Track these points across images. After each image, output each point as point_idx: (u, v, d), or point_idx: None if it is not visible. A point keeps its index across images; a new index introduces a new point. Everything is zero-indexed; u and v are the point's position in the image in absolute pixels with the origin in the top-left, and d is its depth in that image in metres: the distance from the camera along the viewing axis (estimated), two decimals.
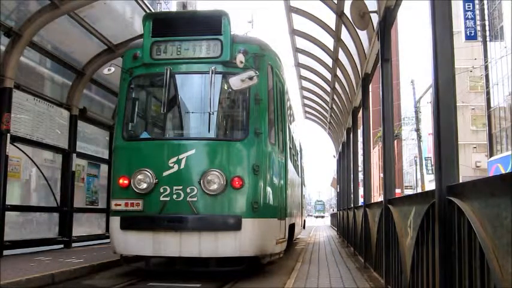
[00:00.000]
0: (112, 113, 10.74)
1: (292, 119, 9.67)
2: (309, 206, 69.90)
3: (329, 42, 8.86)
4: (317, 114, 16.81)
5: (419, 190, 31.21)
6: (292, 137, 9.43)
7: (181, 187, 5.79)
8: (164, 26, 6.42)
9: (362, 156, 9.63)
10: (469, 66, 26.92)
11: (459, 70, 25.34)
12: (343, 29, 7.65)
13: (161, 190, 5.82)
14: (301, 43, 9.97)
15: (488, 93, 27.02)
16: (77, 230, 9.28)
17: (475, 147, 31.33)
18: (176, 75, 6.40)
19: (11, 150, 7.30)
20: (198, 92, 6.47)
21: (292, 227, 8.98)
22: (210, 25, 6.33)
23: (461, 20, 24.67)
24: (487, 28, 26.21)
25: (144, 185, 5.86)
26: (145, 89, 6.96)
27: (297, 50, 10.47)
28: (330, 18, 7.82)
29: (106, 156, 10.69)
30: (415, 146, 35.86)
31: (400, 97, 45.56)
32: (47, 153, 8.72)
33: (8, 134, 7.20)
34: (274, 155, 6.54)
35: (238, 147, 6.10)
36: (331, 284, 5.44)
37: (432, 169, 30.43)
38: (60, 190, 8.91)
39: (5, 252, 7.08)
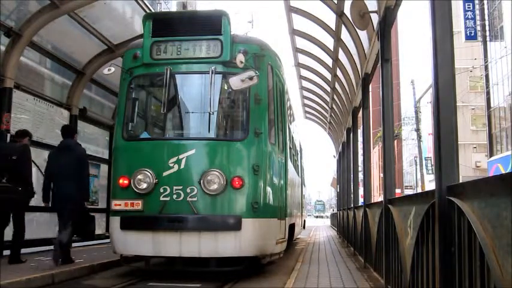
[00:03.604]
0: (112, 113, 10.74)
1: (292, 119, 9.67)
2: (308, 206, 69.94)
3: (329, 42, 8.86)
4: (317, 114, 16.81)
5: (419, 190, 31.22)
6: (292, 137, 9.43)
7: (181, 187, 5.79)
8: (164, 26, 6.42)
9: (362, 156, 9.63)
10: (469, 66, 26.93)
11: (459, 70, 25.36)
12: (343, 29, 7.65)
13: (161, 190, 5.81)
14: (301, 43, 9.98)
15: (488, 93, 27.02)
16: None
17: (475, 147, 31.33)
18: (176, 75, 6.40)
19: None
20: (198, 92, 6.47)
21: (292, 227, 8.98)
22: (210, 25, 6.33)
23: (461, 20, 24.67)
24: (487, 28, 26.21)
25: (144, 185, 5.86)
26: (146, 89, 6.96)
27: (297, 50, 10.47)
28: (330, 18, 7.82)
29: (106, 156, 10.68)
30: (415, 146, 35.88)
31: (400, 97, 45.58)
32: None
33: (8, 134, 7.19)
34: (274, 155, 6.54)
35: (238, 147, 6.10)
36: (331, 284, 5.44)
37: (432, 169, 30.42)
38: None
39: (5, 252, 7.07)
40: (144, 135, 6.62)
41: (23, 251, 7.68)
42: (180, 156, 5.87)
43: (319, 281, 5.68)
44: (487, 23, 26.22)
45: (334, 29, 8.03)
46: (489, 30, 26.17)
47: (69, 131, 6.77)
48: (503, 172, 13.91)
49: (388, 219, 4.85)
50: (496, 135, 26.88)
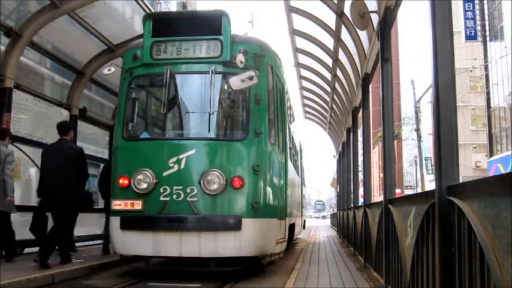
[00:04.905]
0: (112, 113, 10.73)
1: (292, 119, 9.67)
2: (308, 206, 70.05)
3: (329, 42, 8.86)
4: (317, 114, 16.82)
5: (419, 190, 31.22)
6: (292, 137, 9.43)
7: (181, 187, 5.78)
8: (164, 26, 6.42)
9: (362, 156, 9.63)
10: (469, 66, 26.92)
11: (459, 70, 25.34)
12: (343, 29, 7.65)
13: (161, 190, 5.81)
14: (301, 43, 9.97)
15: (488, 93, 27.02)
16: (77, 230, 9.25)
17: (475, 147, 31.33)
18: (176, 75, 6.40)
19: None
20: (198, 92, 6.47)
21: (292, 227, 8.98)
22: (210, 25, 6.32)
23: (461, 20, 24.67)
24: (487, 28, 26.21)
25: (144, 185, 5.86)
26: (146, 89, 6.96)
27: (297, 50, 10.47)
28: (330, 18, 7.82)
29: (106, 156, 10.67)
30: (415, 146, 35.89)
31: (400, 97, 45.58)
32: None
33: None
34: (274, 155, 6.54)
35: (238, 147, 6.10)
36: (331, 284, 5.44)
37: (432, 169, 30.42)
38: None
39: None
40: (144, 135, 6.62)
41: (25, 250, 7.69)
42: (180, 156, 5.87)
43: (319, 281, 5.68)
44: (487, 23, 26.22)
45: (334, 29, 8.03)
46: (489, 30, 26.17)
47: None
48: (503, 172, 13.91)
49: (388, 219, 4.85)
50: (496, 135, 26.87)
